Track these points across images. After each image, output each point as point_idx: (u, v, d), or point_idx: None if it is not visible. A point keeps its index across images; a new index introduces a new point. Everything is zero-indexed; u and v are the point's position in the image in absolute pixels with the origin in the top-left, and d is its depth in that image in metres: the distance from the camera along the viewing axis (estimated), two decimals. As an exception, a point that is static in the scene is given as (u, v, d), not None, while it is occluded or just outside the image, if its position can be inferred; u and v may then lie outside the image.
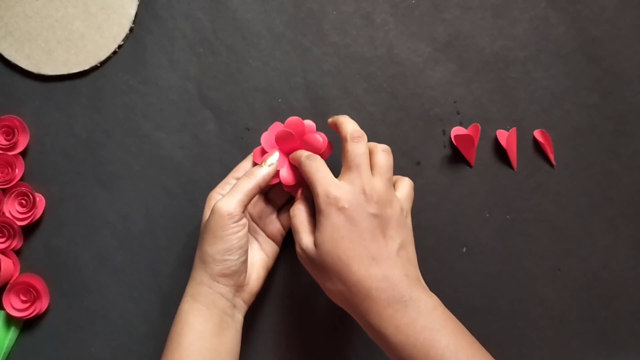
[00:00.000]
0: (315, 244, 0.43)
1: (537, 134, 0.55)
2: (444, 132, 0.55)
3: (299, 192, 0.49)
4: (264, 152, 0.51)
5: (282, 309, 0.54)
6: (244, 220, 0.46)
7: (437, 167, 0.55)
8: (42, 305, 0.54)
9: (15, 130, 0.55)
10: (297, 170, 0.50)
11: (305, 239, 0.44)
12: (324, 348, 0.54)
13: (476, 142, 0.54)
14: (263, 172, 0.47)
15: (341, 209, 0.42)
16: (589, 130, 0.55)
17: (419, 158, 0.55)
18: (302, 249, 0.44)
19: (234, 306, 0.47)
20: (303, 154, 0.47)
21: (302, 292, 0.55)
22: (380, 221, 0.43)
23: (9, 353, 0.54)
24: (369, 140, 0.55)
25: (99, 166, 0.56)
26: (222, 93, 0.56)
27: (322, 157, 0.50)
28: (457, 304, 0.54)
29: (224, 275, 0.45)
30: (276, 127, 0.52)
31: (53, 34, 0.56)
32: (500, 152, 0.55)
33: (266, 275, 0.50)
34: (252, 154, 0.52)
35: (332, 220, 0.42)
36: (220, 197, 0.47)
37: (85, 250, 0.55)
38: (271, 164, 0.48)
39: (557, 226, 0.54)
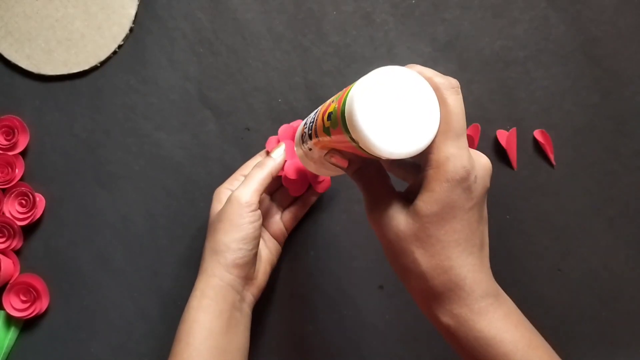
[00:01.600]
0: (417, 215, 0.34)
1: (537, 134, 0.55)
2: (444, 132, 0.55)
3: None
4: (278, 142, 0.51)
5: (282, 309, 0.54)
6: (259, 212, 0.47)
7: (437, 167, 0.55)
8: (42, 305, 0.54)
9: (15, 130, 0.55)
10: (302, 169, 0.50)
11: (396, 206, 0.36)
12: (323, 348, 0.54)
13: (476, 142, 0.54)
14: (274, 162, 0.48)
15: (468, 187, 0.34)
16: (589, 130, 0.55)
17: (419, 158, 0.55)
18: (393, 218, 0.36)
19: (243, 299, 0.47)
20: (436, 74, 0.35)
21: (302, 292, 0.55)
22: (486, 196, 0.36)
23: (9, 353, 0.54)
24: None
25: (99, 166, 0.56)
26: (222, 93, 0.56)
27: None
28: (457, 304, 0.54)
29: (237, 266, 0.46)
30: (297, 124, 0.52)
31: (53, 34, 0.56)
32: (500, 152, 0.55)
33: (271, 271, 0.51)
34: (257, 154, 0.53)
35: (452, 195, 0.33)
36: (229, 191, 0.49)
37: (85, 250, 0.55)
38: (279, 155, 0.49)
39: (557, 226, 0.54)
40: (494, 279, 0.37)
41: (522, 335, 0.35)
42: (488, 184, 0.36)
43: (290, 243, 0.55)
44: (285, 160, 0.50)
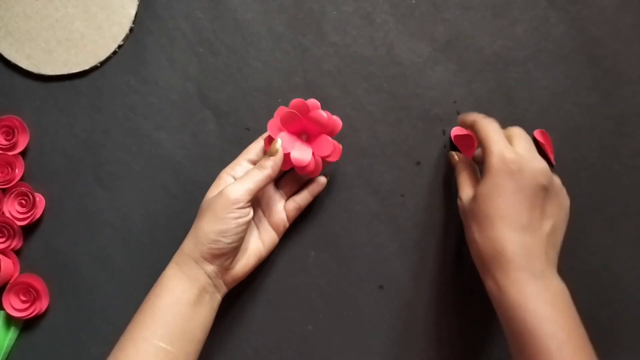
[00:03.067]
0: (475, 196, 0.45)
1: (537, 134, 0.55)
2: (444, 132, 0.55)
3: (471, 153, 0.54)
4: (271, 140, 0.51)
5: (282, 309, 0.54)
6: (248, 210, 0.47)
7: (437, 167, 0.55)
8: (42, 305, 0.54)
9: (15, 130, 0.55)
10: (309, 149, 0.50)
11: (467, 191, 0.47)
12: (323, 348, 0.54)
13: (476, 142, 0.54)
14: (272, 163, 0.48)
15: (511, 172, 0.43)
16: (589, 130, 0.55)
17: (419, 158, 0.55)
18: (461, 199, 0.47)
19: (215, 286, 0.48)
20: (478, 115, 0.49)
21: (302, 292, 0.55)
22: (546, 195, 0.44)
23: (9, 353, 0.54)
24: (369, 140, 0.55)
25: (99, 166, 0.56)
26: (222, 93, 0.56)
27: (330, 134, 0.50)
28: (457, 303, 0.54)
29: (212, 255, 0.46)
30: (280, 112, 0.51)
31: (53, 34, 0.56)
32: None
33: (256, 264, 0.51)
34: (260, 137, 0.52)
35: (498, 179, 0.44)
36: (230, 178, 0.49)
37: (85, 250, 0.55)
38: (277, 151, 0.49)
39: (557, 226, 0.54)
40: (542, 261, 0.42)
41: (548, 311, 0.40)
42: (540, 181, 0.43)
43: (290, 243, 0.55)
44: (289, 154, 0.49)
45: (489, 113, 0.55)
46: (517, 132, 0.47)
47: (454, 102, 0.55)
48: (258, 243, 0.51)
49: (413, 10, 0.56)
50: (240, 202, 0.46)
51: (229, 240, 0.46)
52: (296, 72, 0.56)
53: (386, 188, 0.55)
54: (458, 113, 0.55)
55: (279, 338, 0.54)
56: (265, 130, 0.55)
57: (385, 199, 0.55)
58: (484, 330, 0.54)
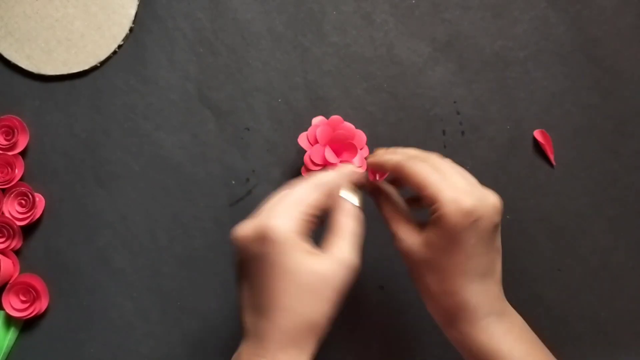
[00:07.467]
0: (426, 244, 0.40)
1: (537, 134, 0.55)
2: (444, 132, 0.55)
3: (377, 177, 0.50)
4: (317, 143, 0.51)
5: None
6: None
7: (437, 167, 0.55)
8: (42, 305, 0.54)
9: (15, 130, 0.55)
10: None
11: (407, 232, 0.42)
12: (323, 348, 0.54)
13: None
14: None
15: (471, 224, 0.38)
16: (589, 130, 0.55)
17: (419, 158, 0.55)
18: (404, 241, 0.42)
19: None
20: (395, 154, 0.44)
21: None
22: (497, 229, 0.41)
23: (9, 353, 0.54)
24: (369, 140, 0.55)
25: (99, 166, 0.56)
26: (222, 93, 0.56)
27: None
28: (457, 304, 0.54)
29: None
30: (337, 120, 0.52)
31: (53, 34, 0.56)
32: (501, 152, 0.55)
33: None
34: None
35: (456, 234, 0.38)
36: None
37: (85, 250, 0.55)
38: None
39: (557, 226, 0.54)
40: (500, 299, 0.42)
41: (519, 347, 0.40)
42: (496, 220, 0.40)
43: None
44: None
45: (489, 113, 0.55)
46: (443, 165, 0.41)
47: (454, 102, 0.55)
48: None
49: (413, 10, 0.56)
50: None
51: None
52: (296, 72, 0.56)
53: (386, 188, 0.55)
54: (458, 113, 0.55)
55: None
56: (264, 130, 0.55)
57: (385, 199, 0.55)
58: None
